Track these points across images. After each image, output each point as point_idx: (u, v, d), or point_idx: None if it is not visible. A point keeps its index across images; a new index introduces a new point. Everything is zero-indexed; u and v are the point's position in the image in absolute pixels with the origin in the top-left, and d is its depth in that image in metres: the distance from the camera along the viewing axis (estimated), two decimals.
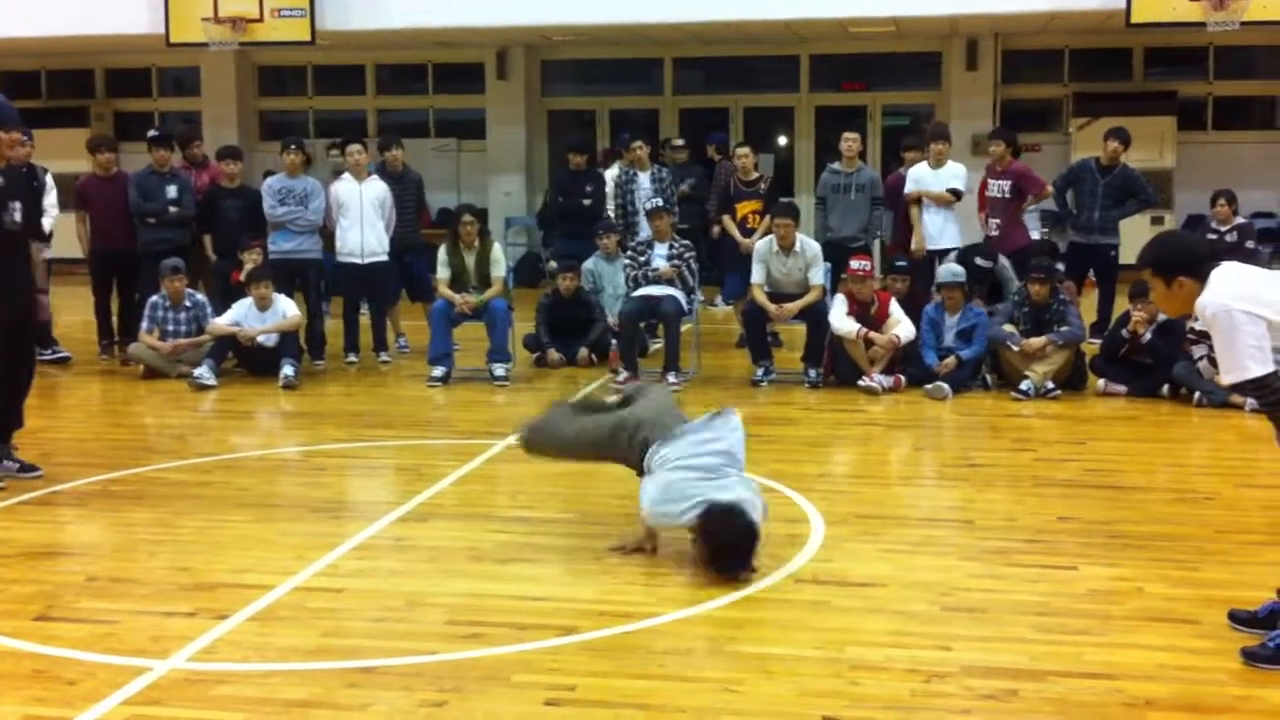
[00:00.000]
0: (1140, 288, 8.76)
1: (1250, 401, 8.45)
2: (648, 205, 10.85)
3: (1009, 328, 9.41)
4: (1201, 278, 4.19)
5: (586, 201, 12.33)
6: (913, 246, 11.05)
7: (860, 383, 9.38)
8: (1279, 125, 17.84)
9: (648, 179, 11.76)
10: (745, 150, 11.60)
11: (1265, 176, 16.20)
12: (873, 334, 9.41)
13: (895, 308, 9.57)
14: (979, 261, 10.37)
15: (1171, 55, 17.32)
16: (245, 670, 4.34)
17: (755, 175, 11.51)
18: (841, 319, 9.46)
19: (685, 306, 10.04)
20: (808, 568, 5.38)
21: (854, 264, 9.60)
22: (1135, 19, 14.13)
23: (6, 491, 6.69)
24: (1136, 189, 11.49)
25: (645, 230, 10.91)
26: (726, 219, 11.45)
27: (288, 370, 9.83)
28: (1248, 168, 16.10)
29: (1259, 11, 13.77)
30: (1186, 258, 4.28)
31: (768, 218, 10.73)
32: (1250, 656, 4.27)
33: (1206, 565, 5.39)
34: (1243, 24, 13.88)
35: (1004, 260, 10.44)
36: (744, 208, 11.37)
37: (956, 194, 10.96)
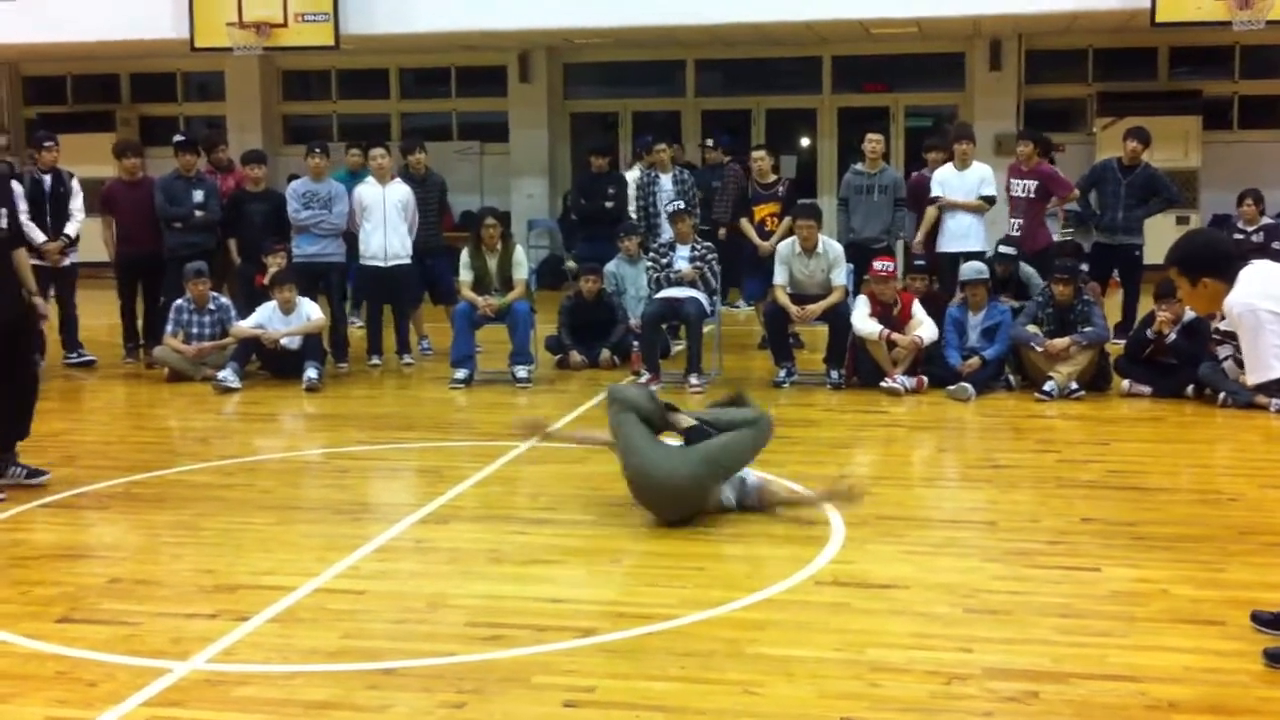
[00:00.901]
0: (1165, 288, 8.72)
1: (1276, 402, 8.43)
2: (669, 208, 10.83)
3: (1033, 328, 9.37)
4: (1228, 277, 4.16)
5: (608, 204, 12.34)
6: (914, 243, 11.04)
7: (883, 384, 9.36)
8: None
9: (669, 181, 11.74)
10: (762, 153, 11.51)
11: None
12: (895, 335, 9.39)
13: (918, 308, 9.54)
14: (1002, 249, 10.30)
15: (1196, 54, 17.22)
16: (266, 671, 4.35)
17: (773, 177, 11.46)
18: (864, 320, 9.44)
19: (707, 308, 10.03)
20: (828, 569, 5.36)
21: (877, 265, 9.58)
22: (1160, 18, 14.07)
23: (32, 493, 6.72)
24: (1159, 188, 11.42)
25: (667, 232, 10.89)
26: (744, 222, 11.40)
27: (311, 373, 9.86)
28: (1273, 167, 15.96)
29: None
30: (1212, 257, 4.26)
31: (786, 220, 10.72)
32: (1273, 658, 4.23)
33: (1231, 566, 5.35)
34: (1268, 23, 13.80)
35: (1027, 268, 10.37)
36: (762, 210, 11.32)
37: (990, 200, 10.89)
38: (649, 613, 4.83)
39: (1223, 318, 4.28)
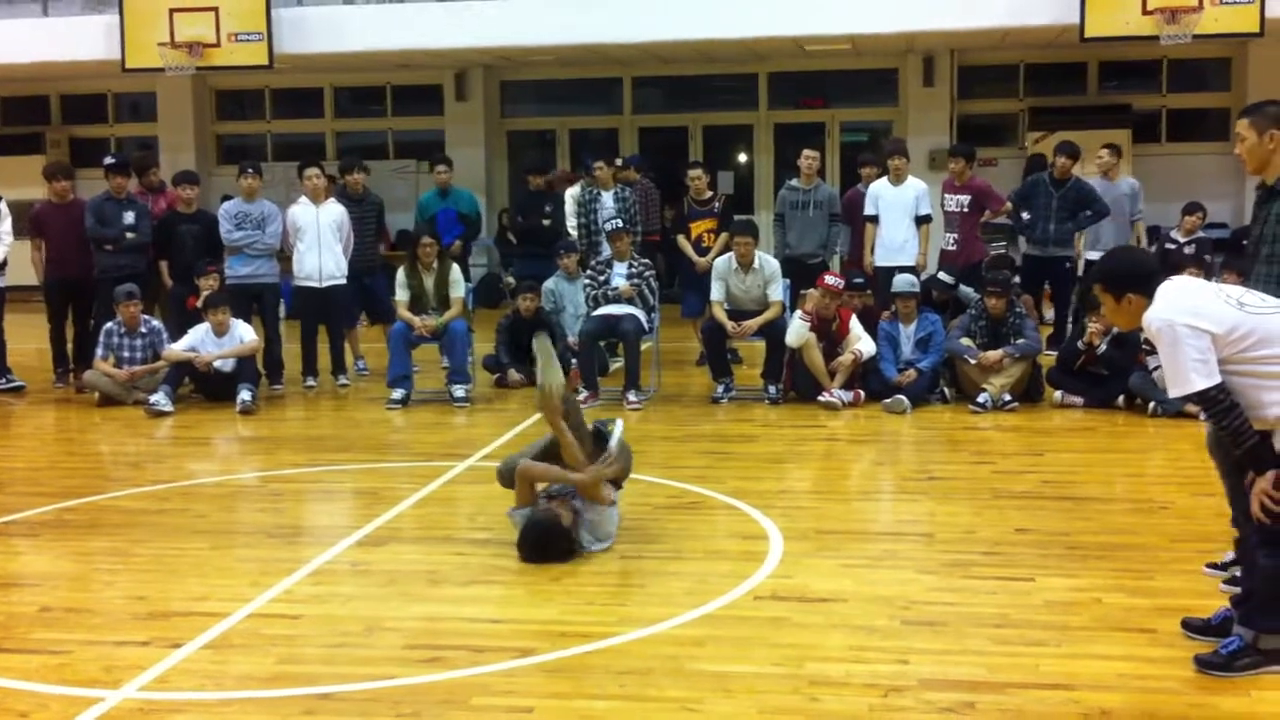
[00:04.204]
0: (1095, 300, 8.83)
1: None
2: (608, 226, 10.84)
3: (966, 341, 9.47)
4: (1150, 293, 4.22)
5: (546, 222, 12.34)
6: (865, 262, 11.11)
7: (820, 398, 9.41)
8: (1231, 137, 18.00)
9: (610, 198, 11.76)
10: (697, 172, 11.62)
11: (1218, 188, 16.34)
12: (837, 361, 9.44)
13: (855, 324, 9.60)
14: (941, 276, 10.42)
15: (1125, 69, 17.48)
16: (200, 699, 4.29)
17: (709, 194, 11.54)
18: (795, 328, 9.45)
19: (645, 325, 10.04)
20: (767, 584, 5.38)
21: (829, 279, 9.60)
22: (1089, 33, 14.28)
23: None
24: (1089, 201, 11.58)
25: (607, 250, 10.90)
26: (681, 238, 11.47)
27: (245, 395, 9.77)
28: (1201, 179, 16.26)
29: (1210, 25, 13.94)
30: (1135, 274, 4.31)
31: (723, 236, 10.78)
32: (1204, 664, 4.30)
33: (1163, 574, 5.42)
34: (1194, 37, 14.04)
35: (966, 289, 10.47)
36: (698, 227, 11.40)
37: (926, 220, 10.97)
38: (588, 631, 4.82)
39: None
